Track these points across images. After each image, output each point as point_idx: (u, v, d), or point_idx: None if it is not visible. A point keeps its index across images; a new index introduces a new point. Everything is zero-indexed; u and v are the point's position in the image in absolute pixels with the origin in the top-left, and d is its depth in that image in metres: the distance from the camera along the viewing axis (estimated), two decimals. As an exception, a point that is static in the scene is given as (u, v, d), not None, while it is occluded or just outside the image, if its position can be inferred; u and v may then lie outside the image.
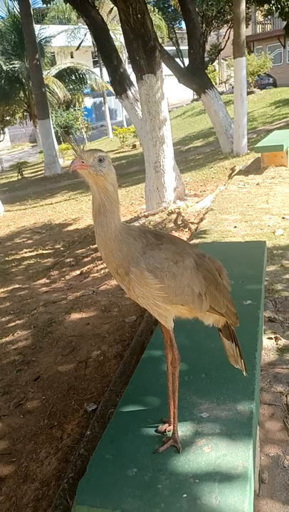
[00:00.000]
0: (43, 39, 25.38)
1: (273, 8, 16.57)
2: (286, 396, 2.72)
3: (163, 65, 7.68)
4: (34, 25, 18.15)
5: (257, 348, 2.15)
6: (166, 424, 1.70)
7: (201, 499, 1.39)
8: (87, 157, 1.41)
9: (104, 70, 24.01)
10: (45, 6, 11.47)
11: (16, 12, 22.09)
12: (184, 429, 1.69)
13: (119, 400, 2.03)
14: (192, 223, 6.92)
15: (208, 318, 1.71)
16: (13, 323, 4.83)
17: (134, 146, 21.59)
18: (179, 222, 7.10)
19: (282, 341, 3.29)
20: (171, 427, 1.66)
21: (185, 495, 1.42)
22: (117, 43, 14.06)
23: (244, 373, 1.82)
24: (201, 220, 6.85)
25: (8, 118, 27.58)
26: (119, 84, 8.55)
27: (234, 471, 1.48)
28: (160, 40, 23.73)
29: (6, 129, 31.37)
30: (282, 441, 2.41)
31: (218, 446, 1.59)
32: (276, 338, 3.32)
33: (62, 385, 3.53)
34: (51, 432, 3.05)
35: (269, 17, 30.23)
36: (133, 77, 7.91)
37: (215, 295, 1.60)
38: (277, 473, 2.22)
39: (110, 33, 9.00)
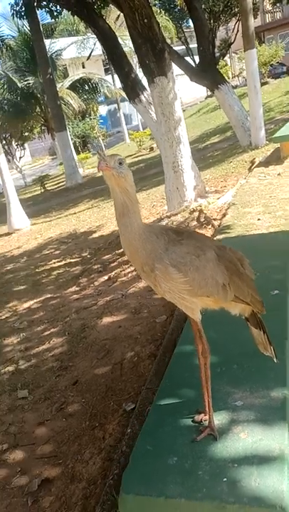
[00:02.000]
0: (54, 53, 25.83)
1: (280, -5, 16.38)
2: None
3: (174, 65, 7.75)
4: (44, 40, 18.53)
5: (287, 336, 2.17)
6: (202, 414, 1.76)
7: (240, 482, 1.45)
8: (109, 160, 1.50)
9: (116, 76, 24.29)
10: (53, 20, 11.74)
11: (26, 30, 22.62)
12: (219, 418, 1.74)
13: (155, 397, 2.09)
14: (215, 219, 6.91)
15: (234, 307, 1.76)
16: (49, 332, 4.97)
17: (151, 149, 21.67)
18: (202, 220, 7.11)
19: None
20: (207, 417, 1.71)
21: (225, 479, 1.47)
22: (126, 49, 14.21)
23: (275, 360, 1.86)
24: (224, 215, 6.83)
25: (26, 134, 28.17)
26: (132, 89, 8.65)
27: (271, 454, 1.52)
28: (169, 41, 23.82)
29: (25, 145, 32.03)
30: None
31: (253, 431, 1.64)
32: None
33: (100, 387, 3.62)
34: (93, 433, 3.14)
35: (278, 5, 29.83)
36: (145, 80, 8.00)
37: (238, 284, 1.64)
38: None
39: (119, 39, 9.14)
